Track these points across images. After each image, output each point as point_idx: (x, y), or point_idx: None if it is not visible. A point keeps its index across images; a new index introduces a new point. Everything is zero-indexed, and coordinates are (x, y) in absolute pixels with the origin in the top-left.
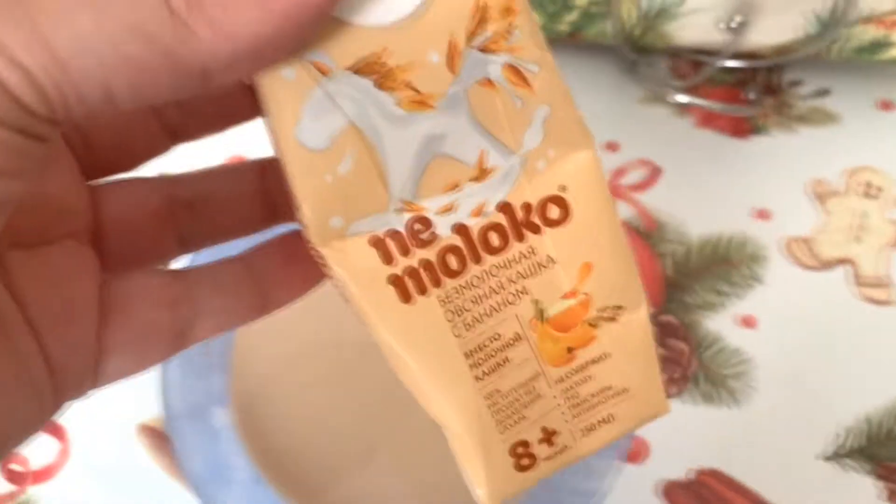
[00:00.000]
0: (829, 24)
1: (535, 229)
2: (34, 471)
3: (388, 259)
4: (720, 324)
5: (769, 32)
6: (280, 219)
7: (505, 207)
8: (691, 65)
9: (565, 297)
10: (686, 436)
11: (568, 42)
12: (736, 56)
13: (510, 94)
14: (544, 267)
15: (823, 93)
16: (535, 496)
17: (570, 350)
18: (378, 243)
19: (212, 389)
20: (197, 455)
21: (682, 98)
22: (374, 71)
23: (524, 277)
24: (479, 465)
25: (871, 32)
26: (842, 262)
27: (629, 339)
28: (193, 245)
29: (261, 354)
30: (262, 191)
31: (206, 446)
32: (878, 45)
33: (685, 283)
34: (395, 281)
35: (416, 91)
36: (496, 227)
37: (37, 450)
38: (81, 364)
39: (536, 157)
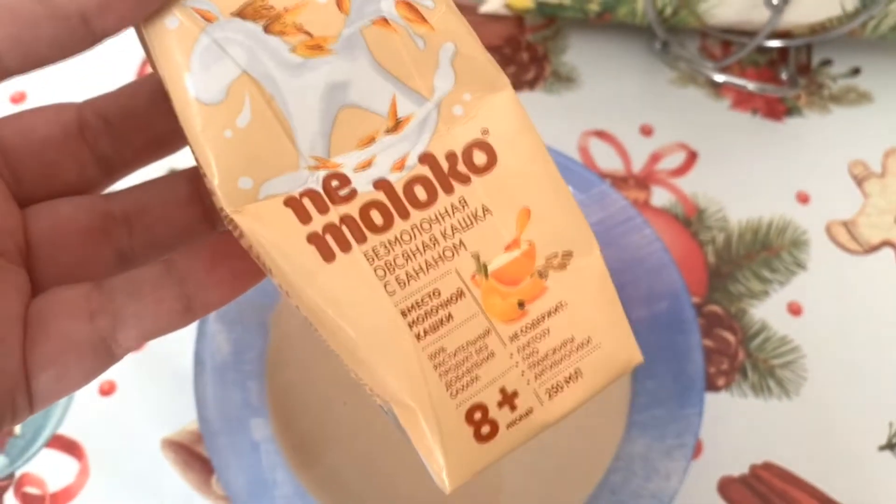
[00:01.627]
0: (870, 1)
1: (464, 179)
2: (52, 493)
3: (305, 218)
4: (765, 312)
5: (807, 10)
6: (217, 223)
7: (428, 158)
8: (722, 45)
9: (508, 248)
10: (737, 429)
11: (597, 23)
12: (770, 35)
13: (409, 33)
14: (480, 218)
15: (855, 72)
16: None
17: (521, 304)
18: (293, 203)
19: (249, 399)
20: (237, 472)
21: (720, 77)
22: (262, 15)
23: (459, 231)
24: (434, 436)
25: None
26: (885, 244)
27: (585, 286)
28: (136, 260)
29: (295, 359)
30: (195, 197)
31: (246, 461)
32: None
33: (728, 270)
34: (315, 239)
35: (309, 34)
36: (421, 179)
37: (54, 470)
38: (8, 387)
39: (452, 101)
